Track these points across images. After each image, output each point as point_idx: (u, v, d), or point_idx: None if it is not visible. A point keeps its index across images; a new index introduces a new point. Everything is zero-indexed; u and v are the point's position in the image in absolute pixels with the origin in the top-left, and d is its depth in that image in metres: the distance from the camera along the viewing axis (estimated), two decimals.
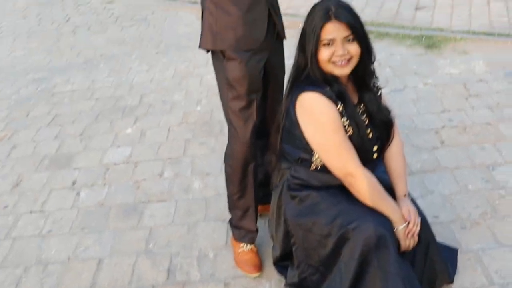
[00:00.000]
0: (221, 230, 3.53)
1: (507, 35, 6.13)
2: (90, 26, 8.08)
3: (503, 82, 5.09)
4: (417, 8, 7.31)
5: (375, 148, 2.63)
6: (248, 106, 2.97)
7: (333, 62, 2.45)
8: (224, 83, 2.98)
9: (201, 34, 3.00)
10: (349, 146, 2.46)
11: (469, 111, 4.64)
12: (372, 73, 2.66)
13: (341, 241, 2.44)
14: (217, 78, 3.07)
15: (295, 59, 2.59)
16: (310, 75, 2.50)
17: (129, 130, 4.93)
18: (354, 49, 2.45)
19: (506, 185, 3.70)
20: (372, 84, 2.66)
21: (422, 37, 6.21)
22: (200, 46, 3.01)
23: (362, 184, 2.44)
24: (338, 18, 2.41)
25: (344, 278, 2.47)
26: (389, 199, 2.51)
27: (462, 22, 6.68)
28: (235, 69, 2.91)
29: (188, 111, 5.12)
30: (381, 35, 6.35)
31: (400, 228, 2.49)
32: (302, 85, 2.49)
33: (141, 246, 3.48)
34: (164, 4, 8.60)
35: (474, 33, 6.30)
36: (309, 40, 2.45)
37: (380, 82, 4.93)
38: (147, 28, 7.67)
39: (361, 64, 2.53)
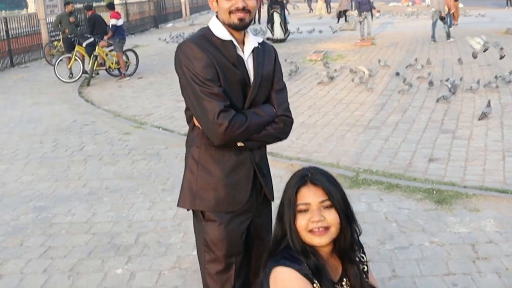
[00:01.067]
0: None
1: None
2: (102, 157, 8.08)
3: None
4: (430, 160, 7.20)
5: None
6: (226, 270, 2.80)
7: (311, 231, 2.28)
8: (202, 244, 2.84)
9: (180, 193, 2.89)
10: None
11: (476, 276, 4.39)
12: (357, 246, 2.48)
13: None
14: (195, 237, 2.93)
15: (273, 230, 2.43)
16: (288, 247, 2.33)
17: (119, 271, 4.73)
18: (331, 217, 2.29)
19: None
20: (356, 258, 2.47)
21: (433, 191, 6.05)
22: (178, 205, 2.89)
23: None
24: (313, 182, 2.29)
25: None
26: None
27: (475, 177, 6.53)
28: (213, 231, 2.78)
29: (183, 256, 4.92)
30: (391, 187, 6.19)
31: None
32: (278, 258, 2.31)
33: None
34: (178, 139, 8.60)
35: (487, 189, 6.12)
36: (287, 208, 2.30)
37: (385, 238, 4.76)
38: (158, 163, 7.62)
39: (342, 235, 2.35)
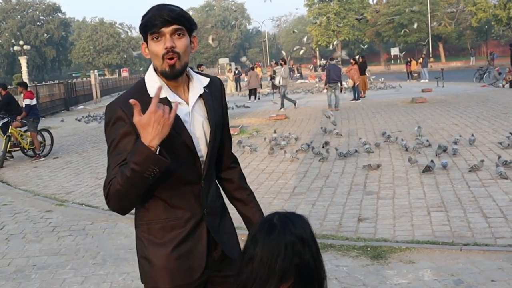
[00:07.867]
0: None
1: (451, 244, 6.11)
2: (25, 235, 7.76)
3: None
4: (359, 220, 7.31)
5: None
6: None
7: None
8: None
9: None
10: None
11: None
12: None
13: None
14: None
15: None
16: None
17: None
18: None
19: None
20: None
21: (367, 248, 6.12)
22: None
23: None
24: None
25: None
26: None
27: (405, 232, 6.67)
28: None
29: None
30: (326, 247, 6.22)
31: None
32: None
33: None
34: (103, 215, 8.39)
35: (418, 242, 6.26)
36: None
37: None
38: (85, 239, 7.38)
39: None
